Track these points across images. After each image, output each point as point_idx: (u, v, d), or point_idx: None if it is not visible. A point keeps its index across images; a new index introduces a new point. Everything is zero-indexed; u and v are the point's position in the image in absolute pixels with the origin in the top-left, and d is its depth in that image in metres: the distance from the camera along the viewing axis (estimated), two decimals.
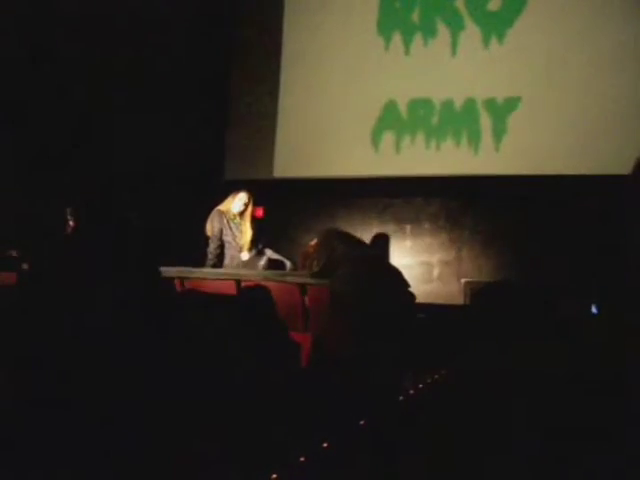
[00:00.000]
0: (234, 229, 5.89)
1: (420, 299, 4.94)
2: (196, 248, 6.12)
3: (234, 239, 5.88)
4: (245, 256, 5.88)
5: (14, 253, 5.34)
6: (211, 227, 5.92)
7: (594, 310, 4.14)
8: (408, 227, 7.34)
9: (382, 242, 5.80)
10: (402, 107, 7.27)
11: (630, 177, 3.40)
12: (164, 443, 1.98)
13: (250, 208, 5.94)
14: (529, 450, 1.84)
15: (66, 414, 1.90)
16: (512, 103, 6.87)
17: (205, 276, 5.24)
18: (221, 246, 5.91)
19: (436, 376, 3.42)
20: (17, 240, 5.51)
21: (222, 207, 5.95)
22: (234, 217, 5.91)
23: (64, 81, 6.91)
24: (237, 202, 5.91)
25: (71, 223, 5.14)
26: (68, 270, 2.18)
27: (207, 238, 5.96)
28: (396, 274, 4.72)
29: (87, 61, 7.00)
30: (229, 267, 5.81)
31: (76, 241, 2.45)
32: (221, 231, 5.88)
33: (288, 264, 5.89)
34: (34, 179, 6.62)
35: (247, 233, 5.89)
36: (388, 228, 6.96)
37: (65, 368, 1.96)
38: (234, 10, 7.96)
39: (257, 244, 5.96)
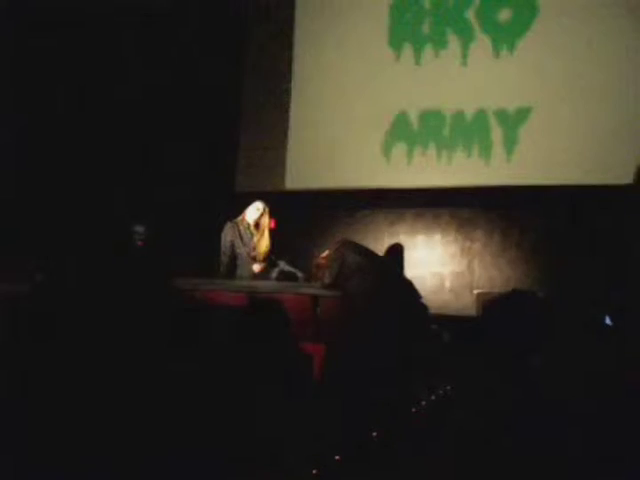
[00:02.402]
0: (246, 240, 5.87)
1: (432, 310, 4.93)
2: (208, 260, 6.13)
3: (246, 251, 5.86)
4: (257, 268, 5.87)
5: (30, 266, 5.37)
6: (224, 239, 5.92)
7: (607, 321, 4.12)
8: (420, 238, 7.33)
9: (396, 253, 5.78)
10: (413, 118, 7.29)
11: (632, 187, 3.40)
12: (171, 451, 1.99)
13: (266, 220, 5.90)
14: (542, 462, 1.83)
15: (74, 417, 1.91)
16: (523, 113, 6.87)
17: (217, 288, 5.24)
18: (233, 258, 5.91)
19: (448, 387, 3.41)
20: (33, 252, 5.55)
21: (237, 218, 5.95)
22: (248, 227, 5.89)
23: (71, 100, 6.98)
24: (251, 209, 5.88)
25: (139, 243, 5.18)
26: (85, 281, 2.20)
27: (219, 250, 5.96)
28: (408, 285, 4.72)
29: (93, 74, 7.07)
30: (241, 279, 5.81)
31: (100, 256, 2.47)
32: (233, 243, 5.87)
33: (300, 275, 5.88)
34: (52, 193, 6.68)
35: (262, 245, 5.86)
36: (400, 239, 6.94)
37: (76, 375, 1.98)
38: (245, 23, 8.02)
39: (270, 256, 5.95)
